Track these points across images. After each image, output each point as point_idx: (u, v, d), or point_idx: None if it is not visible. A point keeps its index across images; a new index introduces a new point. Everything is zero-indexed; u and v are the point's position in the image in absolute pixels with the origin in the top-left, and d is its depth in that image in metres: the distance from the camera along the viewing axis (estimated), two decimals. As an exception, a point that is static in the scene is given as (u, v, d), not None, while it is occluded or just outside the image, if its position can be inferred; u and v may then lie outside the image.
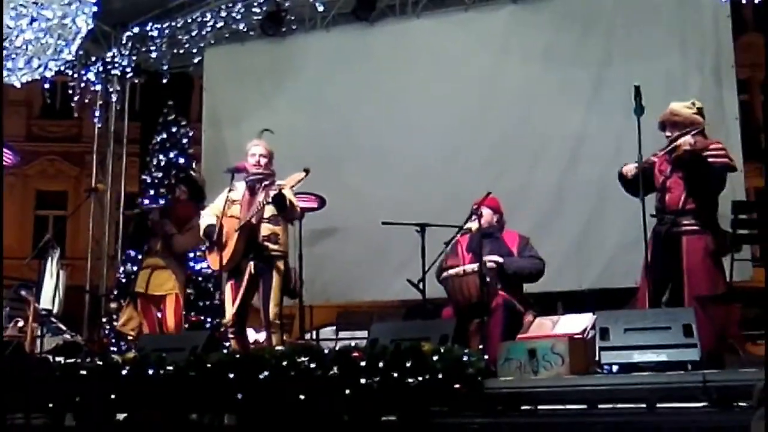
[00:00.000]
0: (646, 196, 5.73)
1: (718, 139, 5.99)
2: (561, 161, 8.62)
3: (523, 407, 4.71)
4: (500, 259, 6.25)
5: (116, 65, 10.69)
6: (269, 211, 6.43)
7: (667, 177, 5.77)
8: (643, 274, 5.80)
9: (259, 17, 10.01)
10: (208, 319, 9.19)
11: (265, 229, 6.47)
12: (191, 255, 8.66)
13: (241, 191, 6.60)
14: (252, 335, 6.30)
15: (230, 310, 6.50)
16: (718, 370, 4.56)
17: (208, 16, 10.16)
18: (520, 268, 6.32)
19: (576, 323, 5.29)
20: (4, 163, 9.61)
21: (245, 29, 10.18)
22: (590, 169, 8.34)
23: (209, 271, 9.34)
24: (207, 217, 6.66)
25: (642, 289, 5.78)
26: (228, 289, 6.56)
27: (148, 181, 10.01)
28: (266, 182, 6.53)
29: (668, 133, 5.89)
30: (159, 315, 7.64)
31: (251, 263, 6.43)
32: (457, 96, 9.12)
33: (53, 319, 8.74)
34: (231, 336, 6.49)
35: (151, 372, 5.34)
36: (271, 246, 6.46)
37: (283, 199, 6.33)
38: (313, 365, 4.88)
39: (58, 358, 6.42)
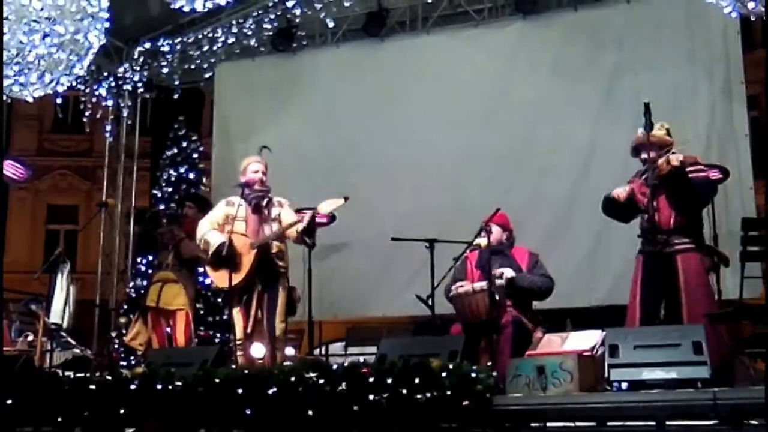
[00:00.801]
0: (630, 221, 5.88)
1: (697, 155, 6.02)
2: (570, 175, 8.62)
3: (531, 424, 4.68)
4: (512, 273, 6.25)
5: (128, 80, 10.75)
6: (276, 228, 6.47)
7: (651, 198, 5.76)
8: (632, 296, 5.81)
9: (270, 33, 10.07)
10: (217, 334, 9.18)
11: (274, 246, 6.50)
12: (200, 270, 8.67)
13: (243, 208, 6.54)
14: (259, 351, 6.27)
15: (240, 326, 6.52)
16: (728, 388, 4.54)
17: (220, 32, 10.22)
18: (532, 283, 6.31)
19: (585, 340, 5.27)
20: (16, 177, 9.67)
21: (256, 45, 10.24)
22: (599, 182, 8.26)
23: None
24: (213, 233, 6.57)
25: (632, 309, 5.78)
26: (236, 307, 6.56)
27: (159, 195, 10.05)
28: (268, 199, 6.56)
29: (644, 156, 5.91)
30: (168, 330, 7.65)
31: (258, 280, 6.45)
32: (467, 111, 9.14)
33: (63, 334, 8.76)
34: (241, 353, 6.48)
35: (159, 387, 5.34)
36: (279, 263, 6.50)
37: (315, 226, 6.35)
38: (321, 381, 4.87)
39: (67, 373, 6.42)
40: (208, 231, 6.61)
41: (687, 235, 5.75)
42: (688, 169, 5.70)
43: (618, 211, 6.05)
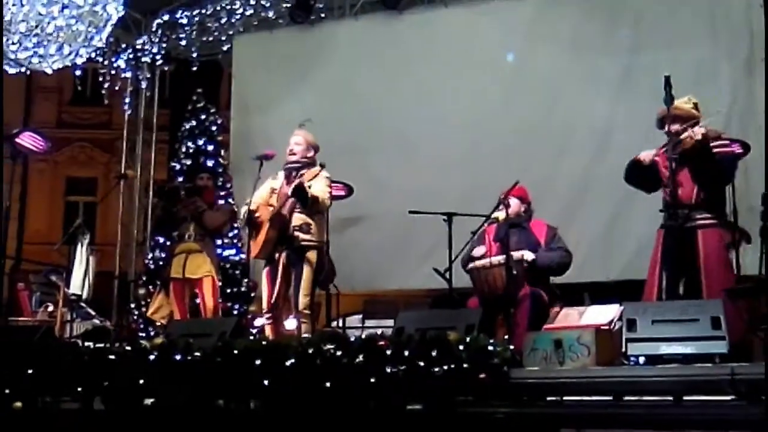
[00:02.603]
0: (653, 192, 5.78)
1: (722, 131, 5.96)
2: (588, 151, 8.58)
3: (548, 398, 4.70)
4: (532, 256, 6.23)
5: (146, 52, 10.76)
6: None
7: (674, 172, 5.72)
8: (651, 269, 5.79)
9: (288, 5, 10.03)
10: (236, 306, 9.23)
11: (297, 219, 6.52)
12: (219, 242, 8.71)
13: (281, 181, 6.67)
14: (287, 324, 6.35)
15: (265, 297, 6.59)
16: (746, 363, 4.52)
17: (237, 3, 10.19)
18: (551, 261, 6.30)
19: (603, 314, 5.26)
20: (36, 149, 9.71)
21: (274, 17, 10.21)
22: (618, 158, 8.18)
23: (236, 258, 9.41)
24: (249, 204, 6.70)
25: (650, 284, 5.76)
26: (264, 276, 6.66)
27: (177, 168, 10.06)
28: (303, 171, 6.58)
29: (669, 129, 5.86)
30: (197, 300, 7.71)
31: (283, 253, 6.48)
32: (484, 85, 9.10)
33: (82, 304, 8.85)
34: (268, 323, 6.57)
35: (178, 357, 5.38)
36: (302, 236, 6.50)
37: (303, 191, 6.35)
38: (339, 353, 4.89)
39: (87, 343, 6.47)
40: (248, 202, 6.70)
41: (709, 211, 5.70)
42: (712, 144, 5.65)
43: (642, 178, 5.98)
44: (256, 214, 6.59)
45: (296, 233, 6.49)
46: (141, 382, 5.42)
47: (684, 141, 5.66)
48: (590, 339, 4.79)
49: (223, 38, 10.51)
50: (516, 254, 6.10)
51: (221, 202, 8.56)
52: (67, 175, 19.36)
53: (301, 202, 6.44)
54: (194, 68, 10.79)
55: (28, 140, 9.53)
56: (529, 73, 8.99)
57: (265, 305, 6.62)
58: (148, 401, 5.47)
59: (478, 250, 6.34)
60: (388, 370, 4.70)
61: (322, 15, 10.10)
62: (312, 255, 6.52)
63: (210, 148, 10.10)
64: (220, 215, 7.73)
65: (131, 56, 10.78)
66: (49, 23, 7.88)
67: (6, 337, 6.38)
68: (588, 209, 8.44)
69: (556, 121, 8.74)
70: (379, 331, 5.18)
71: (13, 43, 7.97)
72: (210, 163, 9.77)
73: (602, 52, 8.66)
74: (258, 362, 5.09)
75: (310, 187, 6.45)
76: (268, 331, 6.55)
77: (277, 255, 6.56)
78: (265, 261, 6.67)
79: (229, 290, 9.24)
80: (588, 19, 8.80)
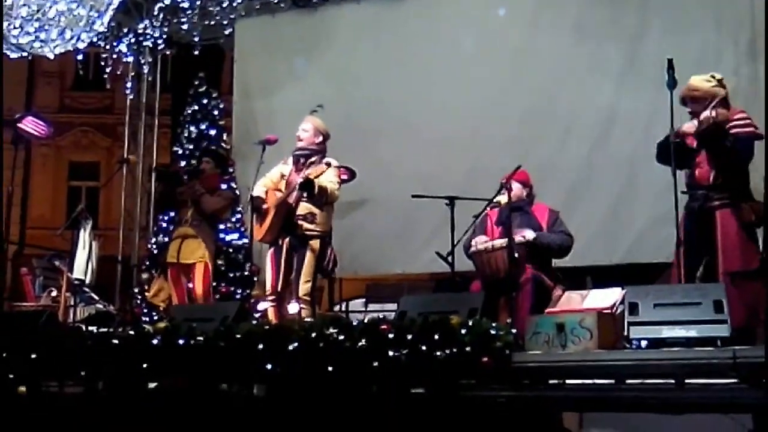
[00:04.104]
0: (681, 170, 5.69)
1: (741, 109, 5.90)
2: (592, 135, 8.55)
3: (550, 381, 4.71)
4: (532, 234, 6.23)
5: (148, 37, 10.71)
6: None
7: (695, 152, 5.70)
8: (676, 252, 5.75)
9: (290, -12, 9.99)
10: (238, 290, 9.25)
11: (303, 208, 6.55)
12: (222, 226, 8.72)
13: (290, 167, 6.72)
14: (290, 309, 6.38)
15: (270, 280, 6.63)
16: (748, 347, 4.53)
17: (239, -14, 10.15)
18: (551, 242, 6.30)
19: (605, 298, 5.27)
20: (38, 134, 9.71)
21: (276, 1, 10.16)
22: (621, 143, 8.28)
23: (239, 242, 9.42)
24: (257, 188, 6.75)
25: (674, 266, 5.73)
26: (269, 259, 6.70)
27: (179, 152, 10.06)
28: (312, 159, 6.59)
29: (690, 109, 5.82)
30: (190, 285, 7.72)
31: (287, 239, 6.52)
32: (488, 69, 9.05)
33: (86, 289, 8.87)
34: (271, 305, 6.63)
35: (181, 342, 5.39)
36: (306, 225, 6.53)
37: (311, 186, 6.37)
38: (341, 337, 4.90)
39: (90, 328, 6.50)
40: (257, 186, 6.73)
41: (728, 191, 5.64)
42: (732, 123, 5.60)
43: (670, 155, 5.85)
44: (264, 200, 6.64)
45: (300, 222, 6.51)
46: (144, 366, 5.44)
47: (702, 121, 5.63)
48: (592, 322, 4.79)
49: (225, 22, 10.47)
50: (517, 233, 6.11)
51: (224, 186, 8.54)
52: (69, 160, 19.38)
53: (308, 195, 6.47)
54: (196, 52, 10.77)
55: (30, 125, 9.52)
56: (532, 57, 8.93)
57: (269, 288, 6.65)
58: (152, 385, 5.50)
59: (480, 239, 6.34)
60: (391, 354, 4.71)
61: (325, -2, 10.07)
62: (315, 243, 6.55)
63: (212, 132, 10.10)
64: (218, 200, 7.69)
65: (133, 40, 10.75)
66: (50, 8, 7.88)
67: (10, 323, 6.38)
68: (591, 193, 8.42)
69: (560, 106, 8.71)
70: (381, 315, 5.17)
71: (14, 28, 7.96)
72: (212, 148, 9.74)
73: (606, 37, 8.61)
74: (260, 346, 5.11)
75: (319, 180, 6.48)
76: (271, 314, 6.60)
77: (281, 241, 6.60)
78: (270, 245, 6.71)
79: (231, 274, 9.26)
80: (592, 4, 8.75)
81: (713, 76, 5.85)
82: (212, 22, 10.50)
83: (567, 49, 8.76)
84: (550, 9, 8.97)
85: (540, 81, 8.83)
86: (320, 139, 6.76)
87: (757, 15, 7.91)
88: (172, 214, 8.53)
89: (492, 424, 4.71)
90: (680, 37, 8.09)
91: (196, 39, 10.69)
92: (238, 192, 8.99)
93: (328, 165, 6.60)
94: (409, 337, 4.71)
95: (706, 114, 5.63)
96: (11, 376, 5.80)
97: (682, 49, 7.71)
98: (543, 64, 8.85)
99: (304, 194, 6.48)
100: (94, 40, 9.19)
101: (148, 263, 9.70)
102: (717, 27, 8.16)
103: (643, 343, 4.66)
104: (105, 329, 6.17)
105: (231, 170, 9.54)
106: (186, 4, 10.39)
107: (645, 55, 8.26)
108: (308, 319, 5.68)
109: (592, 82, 8.61)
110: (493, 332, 4.67)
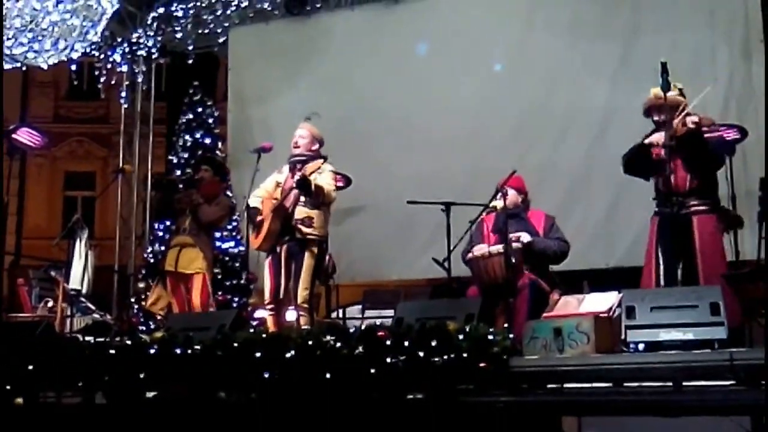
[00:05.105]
0: (650, 178, 5.83)
1: (710, 117, 5.95)
2: (587, 137, 8.55)
3: (548, 386, 4.71)
4: (528, 237, 6.24)
5: (142, 46, 10.71)
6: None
7: (667, 160, 5.73)
8: (648, 257, 5.80)
9: (283, -4, 10.00)
10: (235, 299, 9.24)
11: (300, 212, 6.56)
12: (218, 234, 8.70)
13: (285, 174, 6.74)
14: (288, 316, 6.39)
15: (268, 288, 6.64)
16: (745, 349, 4.53)
17: (233, -5, 10.15)
18: (547, 247, 6.32)
19: (602, 302, 5.27)
20: (32, 144, 9.70)
21: (270, 9, 10.16)
22: (616, 145, 8.17)
23: (236, 250, 9.41)
24: (253, 198, 6.77)
25: (648, 271, 5.78)
26: (266, 267, 6.72)
27: (175, 161, 10.05)
28: (308, 164, 6.61)
29: (656, 118, 5.86)
30: (187, 294, 7.70)
31: (285, 245, 6.51)
32: (482, 72, 9.06)
33: (82, 299, 8.84)
34: (270, 314, 6.63)
35: (178, 351, 5.39)
36: (305, 229, 6.55)
37: (307, 183, 6.38)
38: (338, 344, 4.91)
39: (87, 338, 6.48)
40: (252, 197, 6.76)
41: (703, 197, 5.74)
42: (704, 129, 5.66)
43: (643, 165, 5.95)
44: (260, 212, 6.66)
45: (298, 226, 6.52)
46: (142, 375, 5.43)
47: (677, 128, 5.67)
48: (589, 326, 4.80)
49: (219, 30, 10.46)
50: (513, 236, 6.11)
51: (225, 193, 8.49)
52: (65, 169, 19.35)
53: (305, 194, 6.47)
54: (190, 61, 10.75)
55: (24, 136, 9.51)
56: (527, 58, 8.94)
57: (267, 296, 6.65)
58: (150, 395, 5.49)
59: (478, 249, 6.33)
60: (388, 361, 4.71)
61: (318, 6, 10.04)
62: (314, 248, 6.57)
63: (207, 140, 10.09)
64: (216, 210, 7.67)
65: (127, 50, 10.74)
66: (43, 18, 7.87)
67: (6, 333, 6.37)
68: (587, 196, 8.41)
69: (555, 107, 8.71)
70: (378, 322, 5.18)
71: (8, 39, 7.96)
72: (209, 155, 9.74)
73: (601, 36, 8.61)
74: (258, 354, 5.10)
75: (314, 179, 6.49)
76: (269, 323, 6.59)
77: (278, 247, 6.59)
78: (267, 253, 6.71)
79: (228, 283, 9.25)
80: (586, 4, 8.76)
81: (675, 85, 5.89)
82: (206, 31, 10.49)
83: (561, 49, 8.76)
84: (544, 9, 8.97)
85: (535, 82, 8.83)
86: (317, 146, 6.81)
87: (751, 14, 7.95)
88: (168, 222, 8.51)
89: (490, 430, 4.71)
90: (673, 36, 8.11)
91: (191, 47, 10.67)
92: (234, 200, 8.98)
93: (324, 159, 6.60)
94: (407, 343, 4.72)
95: (690, 117, 5.67)
96: (8, 387, 5.78)
97: (677, 47, 7.76)
98: (537, 65, 8.86)
99: (302, 195, 6.47)
100: (88, 50, 9.19)
101: (144, 272, 9.68)
102: (711, 26, 8.18)
103: (641, 347, 4.67)
104: (102, 339, 6.17)
105: (227, 178, 9.54)
106: (180, 13, 10.39)
107: (639, 54, 8.27)
108: (306, 327, 5.68)
109: (587, 82, 8.61)
110: (490, 337, 4.68)
